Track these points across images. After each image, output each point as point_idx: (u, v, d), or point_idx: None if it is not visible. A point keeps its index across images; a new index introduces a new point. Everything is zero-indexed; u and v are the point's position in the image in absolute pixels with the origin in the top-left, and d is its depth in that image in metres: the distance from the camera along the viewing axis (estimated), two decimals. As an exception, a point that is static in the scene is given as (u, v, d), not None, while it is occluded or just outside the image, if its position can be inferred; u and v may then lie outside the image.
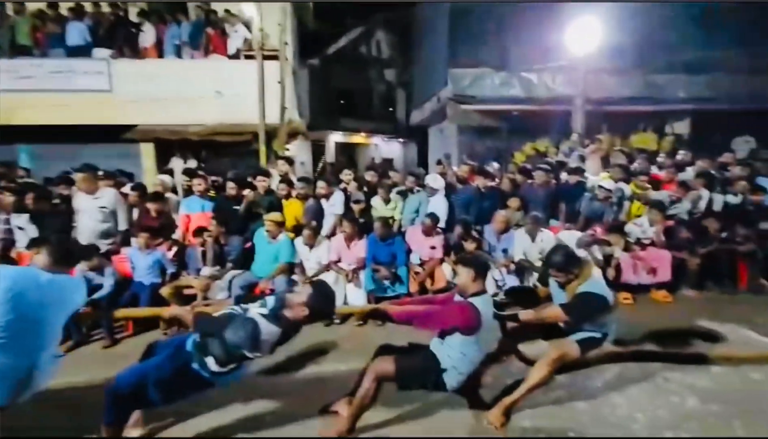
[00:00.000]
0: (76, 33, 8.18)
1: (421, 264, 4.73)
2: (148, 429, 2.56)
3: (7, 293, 1.99)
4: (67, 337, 3.86)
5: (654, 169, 6.34)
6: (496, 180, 5.83)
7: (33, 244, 3.73)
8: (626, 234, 4.86)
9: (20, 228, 4.48)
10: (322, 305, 2.26)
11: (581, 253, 3.59)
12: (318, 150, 13.22)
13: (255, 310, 2.24)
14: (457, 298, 2.60)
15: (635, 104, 9.50)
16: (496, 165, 6.76)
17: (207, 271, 4.50)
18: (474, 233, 4.72)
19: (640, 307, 4.67)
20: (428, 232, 4.73)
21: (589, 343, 2.75)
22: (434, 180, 5.33)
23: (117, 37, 8.42)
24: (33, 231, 4.41)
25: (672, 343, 3.71)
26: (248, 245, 4.78)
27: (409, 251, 4.80)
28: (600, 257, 4.59)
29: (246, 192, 5.12)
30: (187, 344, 2.29)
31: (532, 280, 4.59)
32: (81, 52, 8.22)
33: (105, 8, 8.53)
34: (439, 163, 6.26)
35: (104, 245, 4.53)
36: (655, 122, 9.67)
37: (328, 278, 4.55)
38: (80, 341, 3.97)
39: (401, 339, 2.78)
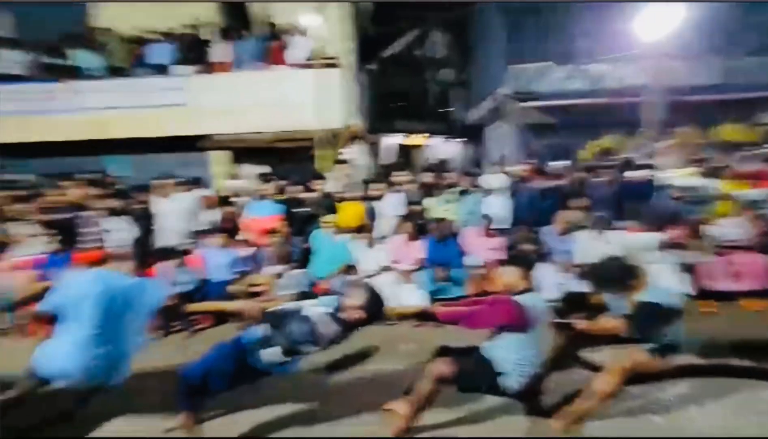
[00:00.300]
0: (159, 53, 9.09)
1: (481, 266, 4.66)
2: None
3: (100, 295, 2.36)
4: (158, 325, 4.32)
5: (743, 164, 5.70)
6: (559, 179, 5.57)
7: (123, 249, 4.30)
8: (709, 236, 4.42)
9: (110, 231, 5.05)
10: (373, 308, 2.40)
11: (646, 257, 3.33)
12: (375, 153, 13.44)
13: (315, 308, 2.41)
14: (499, 302, 2.56)
15: (718, 92, 8.59)
16: (557, 164, 6.46)
17: (273, 270, 4.78)
18: (532, 236, 4.56)
19: (726, 316, 4.23)
20: (485, 233, 4.65)
21: (662, 353, 2.56)
22: (490, 180, 5.23)
23: (193, 54, 9.21)
24: (120, 233, 4.97)
25: (763, 357, 3.33)
26: (307, 245, 5.03)
27: (466, 253, 4.74)
28: (677, 261, 4.22)
29: (306, 195, 5.38)
30: (244, 337, 2.48)
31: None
32: (163, 70, 9.11)
33: (183, 29, 9.36)
34: (497, 162, 6.11)
35: (183, 245, 5.01)
36: (742, 111, 8.66)
37: (387, 279, 4.65)
38: (165, 331, 4.41)
39: (460, 340, 2.75)
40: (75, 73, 9.28)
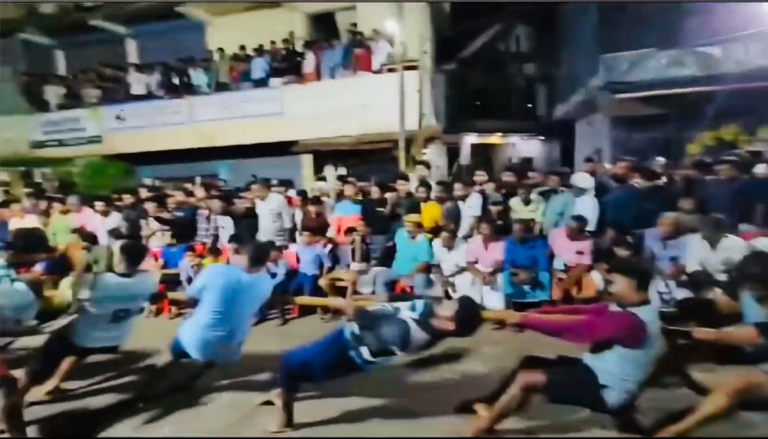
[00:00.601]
0: (258, 67, 10.07)
1: (566, 270, 4.45)
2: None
3: (221, 286, 2.78)
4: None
5: None
6: (663, 178, 5.05)
7: (234, 245, 4.92)
8: None
9: (223, 227, 5.75)
10: (467, 324, 2.36)
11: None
12: (453, 153, 13.34)
13: (406, 313, 2.43)
14: (614, 308, 2.38)
15: None
16: (661, 160, 5.85)
17: (355, 266, 5.06)
18: (629, 239, 4.22)
19: None
20: (574, 235, 4.41)
21: None
22: (582, 179, 4.90)
23: (286, 67, 10.03)
24: (231, 230, 5.63)
25: None
26: (390, 244, 5.22)
27: (552, 256, 4.56)
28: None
29: (388, 195, 5.58)
30: (345, 333, 2.60)
31: (711, 295, 3.88)
32: (262, 83, 10.07)
33: (279, 44, 10.25)
34: (589, 160, 5.68)
35: (277, 241, 5.53)
36: None
37: (465, 279, 4.67)
38: (260, 319, 4.92)
39: (541, 344, 2.71)
40: (191, 90, 10.66)
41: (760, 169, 4.75)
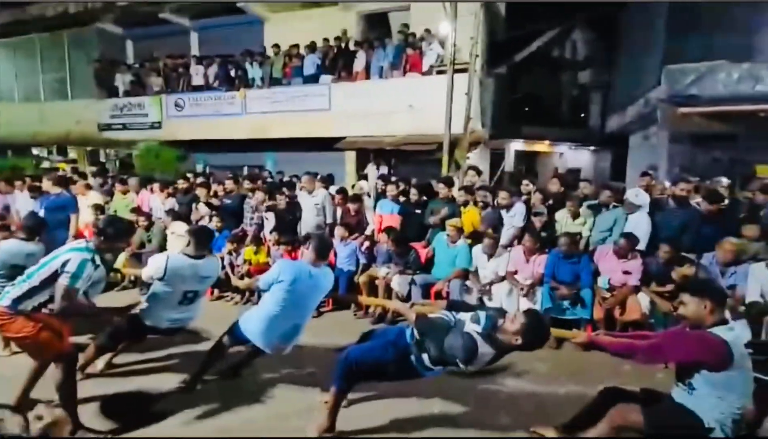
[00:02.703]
0: (310, 64, 10.33)
1: (611, 289, 4.26)
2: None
3: (290, 280, 2.89)
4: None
5: None
6: (726, 200, 4.71)
7: (276, 236, 5.38)
8: None
9: (267, 218, 5.96)
10: (535, 338, 2.25)
11: None
12: (497, 159, 13.07)
13: (471, 326, 2.32)
14: (685, 332, 2.24)
15: None
16: (725, 181, 5.46)
17: (392, 266, 5.08)
18: (689, 259, 3.98)
19: None
20: (623, 254, 4.21)
21: None
22: (637, 196, 4.66)
23: (337, 64, 10.22)
24: (274, 221, 5.82)
25: None
26: (428, 248, 5.20)
27: (597, 273, 4.38)
28: None
29: (429, 197, 5.54)
30: (407, 335, 2.54)
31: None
32: (313, 79, 10.33)
33: (332, 42, 10.45)
34: (645, 174, 5.40)
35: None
36: None
37: (502, 289, 4.58)
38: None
39: (591, 363, 2.55)
40: (247, 82, 11.11)
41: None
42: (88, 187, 6.95)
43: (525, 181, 5.70)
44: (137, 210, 6.21)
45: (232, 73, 11.22)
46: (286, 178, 8.32)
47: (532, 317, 2.25)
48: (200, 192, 6.41)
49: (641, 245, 4.36)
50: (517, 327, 2.20)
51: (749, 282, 3.77)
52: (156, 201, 6.71)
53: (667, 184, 5.22)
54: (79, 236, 5.25)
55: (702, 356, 2.04)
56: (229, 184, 6.58)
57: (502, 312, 2.41)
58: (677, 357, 2.16)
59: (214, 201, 6.37)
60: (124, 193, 6.92)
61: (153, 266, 3.06)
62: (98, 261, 2.68)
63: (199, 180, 7.34)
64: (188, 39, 12.87)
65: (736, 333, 2.10)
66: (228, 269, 5.45)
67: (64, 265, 2.54)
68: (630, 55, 11.98)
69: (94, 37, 13.54)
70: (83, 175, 7.79)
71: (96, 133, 12.87)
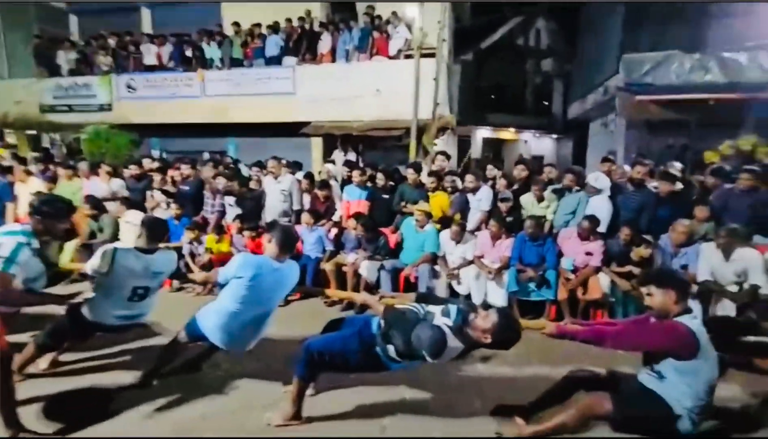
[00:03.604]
0: (273, 45, 9.92)
1: (574, 270, 4.39)
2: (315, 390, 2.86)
3: (250, 275, 2.63)
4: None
5: None
6: (679, 184, 4.94)
7: (239, 224, 5.05)
8: None
9: (230, 205, 5.70)
10: (507, 338, 2.19)
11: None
12: (464, 145, 13.20)
13: (441, 319, 2.27)
14: (654, 321, 2.29)
15: None
16: (678, 165, 5.72)
17: (360, 252, 5.01)
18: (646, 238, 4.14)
19: None
20: (585, 236, 4.33)
21: None
22: (597, 179, 4.80)
23: (301, 46, 9.88)
24: (237, 209, 5.58)
25: None
26: (395, 233, 5.16)
27: (560, 255, 4.49)
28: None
29: (396, 183, 5.48)
30: (372, 325, 2.48)
31: (720, 306, 3.81)
32: (276, 61, 9.93)
33: (295, 23, 10.07)
34: (606, 160, 5.57)
35: (283, 222, 5.48)
36: None
37: (470, 273, 4.62)
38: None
39: (564, 344, 2.56)
40: (205, 63, 10.54)
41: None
42: (28, 173, 6.39)
43: (489, 166, 5.75)
44: (86, 198, 5.77)
45: (188, 53, 10.61)
46: (244, 166, 8.00)
47: (504, 316, 2.20)
48: (155, 178, 6.04)
49: (602, 227, 4.50)
50: (488, 326, 2.15)
51: (699, 262, 3.98)
52: (98, 185, 6.25)
53: (627, 168, 5.39)
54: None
55: (670, 345, 2.09)
56: (186, 169, 6.21)
57: (473, 307, 2.35)
58: (646, 345, 2.20)
59: (170, 188, 6.03)
60: (70, 179, 6.42)
61: (97, 259, 2.79)
62: (36, 245, 2.43)
63: (155, 165, 6.90)
64: (139, 16, 12.04)
65: (700, 323, 2.16)
66: (188, 259, 5.20)
67: None
68: (590, 45, 12.32)
69: (32, 11, 12.40)
70: (24, 161, 7.16)
71: (38, 115, 11.87)
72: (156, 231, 2.97)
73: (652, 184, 4.78)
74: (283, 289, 2.89)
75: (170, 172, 6.47)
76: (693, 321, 2.12)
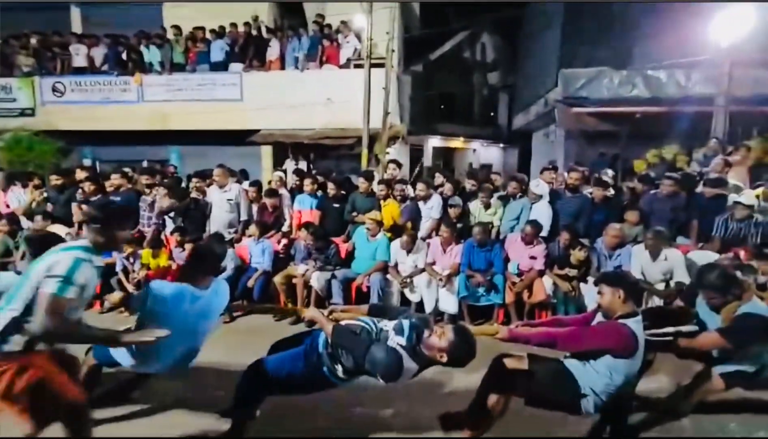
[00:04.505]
0: (218, 50, 9.55)
1: (520, 274, 4.53)
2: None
3: (163, 310, 2.33)
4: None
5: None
6: (611, 190, 5.29)
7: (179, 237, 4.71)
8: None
9: (170, 217, 5.35)
10: (463, 356, 2.10)
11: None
12: (416, 154, 13.42)
13: (394, 338, 2.17)
14: (600, 319, 2.40)
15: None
16: (610, 172, 6.13)
17: (310, 263, 4.88)
18: (583, 241, 4.37)
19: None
20: (529, 240, 4.50)
21: (738, 378, 2.39)
22: (538, 186, 5.04)
23: (249, 52, 9.59)
24: (178, 220, 5.24)
25: None
26: (347, 242, 5.09)
27: (507, 260, 4.63)
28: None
29: (347, 192, 5.42)
30: (319, 344, 2.34)
31: (651, 302, 4.08)
32: (221, 66, 9.56)
33: (241, 27, 9.77)
34: (547, 169, 5.86)
35: (228, 234, 5.22)
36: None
37: (422, 280, 4.63)
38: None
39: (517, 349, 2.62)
40: (143, 67, 9.92)
41: (703, 188, 5.04)
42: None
43: (436, 174, 5.84)
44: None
45: (124, 56, 9.96)
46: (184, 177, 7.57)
47: (460, 333, 2.11)
48: (87, 188, 5.51)
49: (544, 232, 4.70)
50: (444, 344, 2.07)
51: (632, 262, 4.26)
52: (18, 198, 5.65)
53: (565, 175, 5.70)
54: None
55: (612, 345, 2.20)
56: (116, 179, 5.69)
57: (426, 321, 2.28)
58: (593, 345, 2.29)
59: (96, 199, 5.51)
60: (-19, 191, 5.75)
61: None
62: (98, 262, 1.99)
63: (83, 175, 6.30)
64: (68, 15, 11.16)
65: (641, 326, 2.29)
66: (121, 276, 4.80)
67: (50, 267, 1.87)
68: (532, 59, 13.05)
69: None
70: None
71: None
72: (37, 248, 2.41)
73: (588, 190, 5.08)
74: (209, 317, 2.57)
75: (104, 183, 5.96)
76: (636, 325, 2.24)
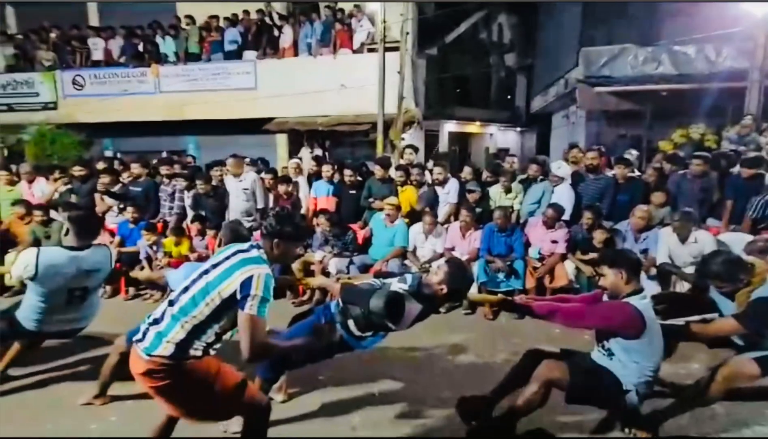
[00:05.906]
0: (231, 38, 9.53)
1: (541, 259, 4.44)
2: (288, 394, 2.76)
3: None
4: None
5: None
6: (635, 170, 5.11)
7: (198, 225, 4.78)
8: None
9: (190, 206, 5.41)
10: (459, 282, 2.30)
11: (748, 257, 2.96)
12: (431, 140, 13.23)
13: (397, 285, 2.32)
14: (606, 300, 2.35)
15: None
16: (635, 152, 5.93)
17: (327, 249, 4.88)
18: (604, 224, 4.25)
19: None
20: (550, 224, 4.39)
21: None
22: (560, 168, 4.89)
23: (262, 40, 9.55)
24: (197, 209, 5.30)
25: None
26: (365, 228, 5.06)
27: (527, 244, 4.53)
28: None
29: (365, 178, 5.37)
30: (332, 307, 2.46)
31: (679, 286, 3.95)
32: (234, 55, 9.55)
33: (254, 15, 9.71)
34: (575, 146, 5.69)
35: (247, 222, 5.25)
36: None
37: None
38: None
39: (522, 333, 2.60)
40: (159, 58, 9.99)
41: (737, 167, 4.80)
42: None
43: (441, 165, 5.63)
44: (26, 203, 5.31)
45: (140, 47, 10.04)
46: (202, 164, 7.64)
47: (453, 265, 2.32)
48: (104, 179, 5.62)
49: (566, 215, 4.58)
50: (440, 277, 2.26)
51: (659, 246, 4.11)
52: (43, 189, 5.80)
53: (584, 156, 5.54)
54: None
55: (617, 324, 2.15)
56: (136, 168, 5.79)
57: (427, 271, 2.41)
58: (595, 323, 2.26)
59: (116, 189, 5.61)
60: (11, 183, 5.91)
61: (21, 264, 2.58)
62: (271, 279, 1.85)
63: (101, 166, 6.40)
64: (84, 7, 11.28)
65: (648, 301, 2.23)
66: (145, 264, 4.90)
67: (244, 286, 1.72)
68: (551, 39, 12.63)
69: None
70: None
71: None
72: (84, 226, 2.75)
73: (612, 172, 4.91)
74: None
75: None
76: (641, 302, 2.17)
